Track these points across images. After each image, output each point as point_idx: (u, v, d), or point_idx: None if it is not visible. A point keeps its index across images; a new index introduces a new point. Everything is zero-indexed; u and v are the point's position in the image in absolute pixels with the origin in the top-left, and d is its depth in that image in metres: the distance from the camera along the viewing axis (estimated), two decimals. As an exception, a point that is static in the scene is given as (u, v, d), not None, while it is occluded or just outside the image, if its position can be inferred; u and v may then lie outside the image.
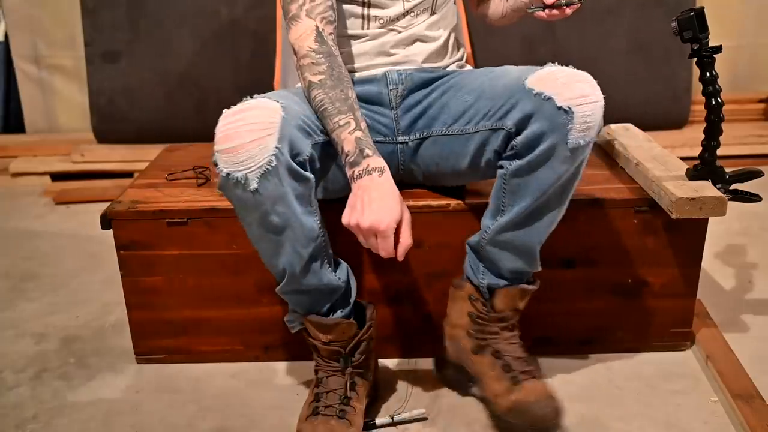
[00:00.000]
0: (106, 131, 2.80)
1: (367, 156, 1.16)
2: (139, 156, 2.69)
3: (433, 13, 1.39)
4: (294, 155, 1.14)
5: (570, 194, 1.25)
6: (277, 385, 1.48)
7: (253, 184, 1.11)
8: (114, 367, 1.56)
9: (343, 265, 1.32)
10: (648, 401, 1.41)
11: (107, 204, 1.50)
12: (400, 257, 1.15)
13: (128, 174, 2.70)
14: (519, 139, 1.18)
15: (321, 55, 1.21)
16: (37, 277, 2.01)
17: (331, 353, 1.31)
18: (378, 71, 1.37)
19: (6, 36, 2.90)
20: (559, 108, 1.13)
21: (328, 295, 1.28)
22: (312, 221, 1.20)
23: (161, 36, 2.68)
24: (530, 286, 1.33)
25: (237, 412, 1.41)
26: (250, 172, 1.10)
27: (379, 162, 1.16)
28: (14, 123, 3.04)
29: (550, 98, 1.14)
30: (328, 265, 1.26)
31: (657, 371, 1.50)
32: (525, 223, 1.25)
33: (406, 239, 1.15)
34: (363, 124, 1.19)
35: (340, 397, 1.29)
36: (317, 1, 1.24)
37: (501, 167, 1.23)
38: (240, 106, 1.14)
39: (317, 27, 1.23)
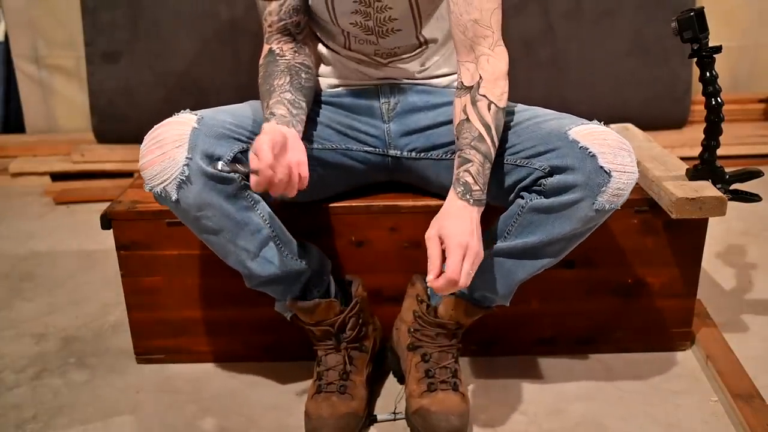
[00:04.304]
0: (106, 131, 2.80)
1: (266, 122, 1.20)
2: (139, 155, 2.68)
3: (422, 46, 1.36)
4: (214, 161, 1.18)
5: (568, 251, 1.26)
6: (277, 385, 1.48)
7: (173, 196, 1.17)
8: (114, 367, 1.56)
9: (309, 247, 1.35)
10: (648, 401, 1.41)
11: (107, 204, 1.50)
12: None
13: (128, 174, 2.70)
14: (550, 180, 1.18)
15: (261, 68, 1.32)
16: (37, 277, 2.01)
17: (322, 333, 1.35)
18: (370, 86, 1.38)
19: (6, 36, 2.90)
20: (601, 167, 1.14)
21: (295, 279, 1.31)
22: (250, 215, 1.23)
23: (161, 36, 2.68)
24: (479, 308, 1.32)
25: (237, 412, 1.41)
26: (167, 185, 1.17)
27: (266, 128, 1.17)
28: (14, 123, 3.03)
29: (594, 156, 1.14)
30: (285, 252, 1.28)
31: (657, 371, 1.50)
32: (520, 256, 1.25)
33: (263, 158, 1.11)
34: (273, 101, 1.23)
35: (339, 374, 1.34)
36: (271, 30, 1.33)
37: (522, 197, 1.23)
38: (158, 125, 1.21)
39: (270, 49, 1.33)
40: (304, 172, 1.14)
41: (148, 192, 1.20)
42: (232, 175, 1.20)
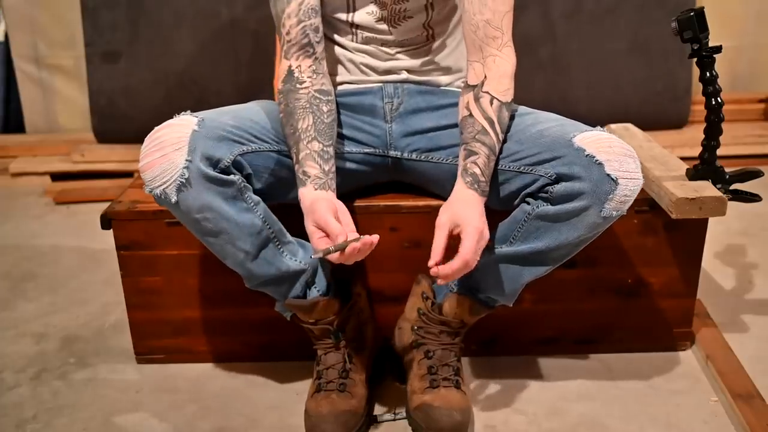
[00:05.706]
0: (106, 131, 2.80)
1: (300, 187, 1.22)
2: (139, 156, 2.68)
3: (430, 39, 1.36)
4: (214, 163, 1.18)
5: (574, 254, 1.26)
6: (277, 385, 1.48)
7: (173, 198, 1.17)
8: (114, 367, 1.56)
9: (308, 247, 1.33)
10: (648, 401, 1.41)
11: (107, 204, 1.50)
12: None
13: (128, 174, 2.70)
14: (557, 188, 1.18)
15: (281, 95, 1.28)
16: (37, 277, 2.01)
17: (321, 332, 1.35)
18: (374, 84, 1.37)
19: (6, 36, 2.90)
20: (608, 175, 1.15)
21: (293, 279, 1.31)
22: (250, 217, 1.24)
23: (161, 36, 2.68)
24: (484, 307, 1.33)
25: (237, 412, 1.41)
26: (166, 187, 1.17)
27: (302, 195, 1.20)
28: (14, 123, 3.03)
29: (601, 164, 1.15)
30: (284, 253, 1.29)
31: (657, 371, 1.50)
32: (526, 261, 1.26)
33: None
34: (302, 154, 1.22)
35: (338, 372, 1.34)
36: (293, 39, 1.27)
37: (528, 203, 1.23)
38: (158, 126, 1.21)
39: (290, 67, 1.28)
40: (375, 237, 1.14)
41: (148, 193, 1.21)
42: (232, 177, 1.20)
